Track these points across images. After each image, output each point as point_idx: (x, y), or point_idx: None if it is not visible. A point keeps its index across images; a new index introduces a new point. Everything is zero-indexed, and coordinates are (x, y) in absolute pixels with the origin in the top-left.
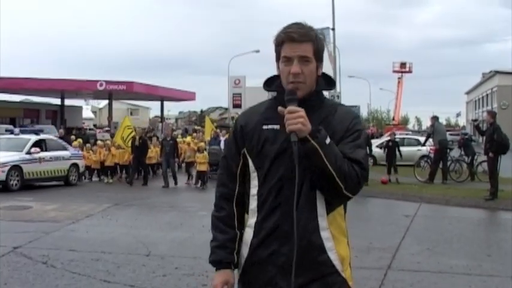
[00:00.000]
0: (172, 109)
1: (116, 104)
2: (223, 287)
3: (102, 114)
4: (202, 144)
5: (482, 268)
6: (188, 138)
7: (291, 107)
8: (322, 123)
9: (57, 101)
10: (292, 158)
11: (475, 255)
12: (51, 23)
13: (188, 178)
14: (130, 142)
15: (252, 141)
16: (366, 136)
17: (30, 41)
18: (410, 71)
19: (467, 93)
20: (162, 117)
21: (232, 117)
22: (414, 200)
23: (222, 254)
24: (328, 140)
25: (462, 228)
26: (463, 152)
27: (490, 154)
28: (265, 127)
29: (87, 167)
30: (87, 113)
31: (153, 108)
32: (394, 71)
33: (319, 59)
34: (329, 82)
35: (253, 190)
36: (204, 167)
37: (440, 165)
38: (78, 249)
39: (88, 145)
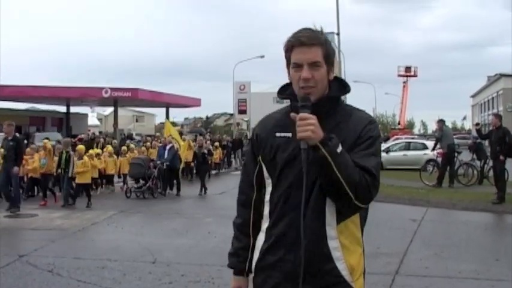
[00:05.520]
0: (178, 115)
1: (121, 111)
2: None
3: (107, 121)
4: (81, 147)
5: (491, 272)
6: (46, 140)
7: (302, 114)
8: (334, 129)
9: (63, 109)
10: (301, 166)
11: (483, 259)
12: (55, 30)
13: (44, 195)
14: None
15: (266, 148)
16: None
17: (33, 48)
18: (415, 75)
19: (473, 96)
20: None
21: (238, 123)
22: (421, 204)
23: (234, 262)
24: (339, 149)
25: (470, 232)
26: (475, 156)
27: (501, 157)
28: (277, 135)
29: None
30: (92, 120)
31: (159, 115)
32: (399, 75)
33: (329, 63)
34: (343, 86)
35: (267, 196)
36: (83, 179)
37: (448, 169)
38: (83, 257)
39: None
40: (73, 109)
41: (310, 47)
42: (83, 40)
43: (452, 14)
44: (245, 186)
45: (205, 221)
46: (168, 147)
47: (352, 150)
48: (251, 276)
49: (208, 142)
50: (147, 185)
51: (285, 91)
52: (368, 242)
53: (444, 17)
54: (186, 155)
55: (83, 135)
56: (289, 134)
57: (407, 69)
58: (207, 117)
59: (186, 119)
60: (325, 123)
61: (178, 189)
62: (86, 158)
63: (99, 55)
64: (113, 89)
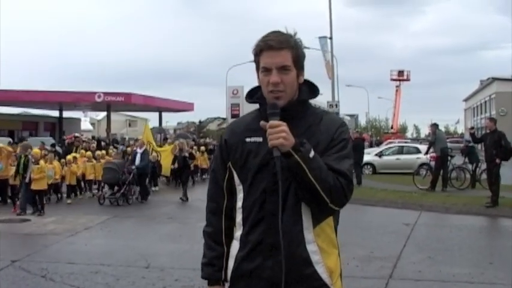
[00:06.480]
0: (171, 120)
1: (114, 116)
2: None
3: (100, 126)
4: (36, 151)
5: (485, 276)
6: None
7: (272, 122)
8: (305, 133)
9: (56, 113)
10: (274, 171)
11: (477, 263)
12: (48, 35)
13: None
14: None
15: (236, 154)
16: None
17: (27, 52)
18: (408, 79)
19: (466, 100)
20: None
21: None
22: (414, 208)
23: (210, 272)
24: (312, 154)
25: (463, 236)
26: (467, 160)
27: (497, 160)
28: (248, 140)
29: None
30: (85, 124)
31: (152, 119)
32: (392, 79)
33: (299, 66)
34: (313, 90)
35: (239, 203)
36: (39, 185)
37: (441, 173)
38: (77, 262)
39: None
40: (66, 114)
41: (279, 50)
42: (76, 44)
43: (445, 19)
44: (215, 193)
45: (198, 226)
46: (140, 151)
47: (326, 153)
48: (226, 285)
49: (194, 147)
50: (121, 191)
51: (254, 94)
52: (361, 246)
53: (437, 22)
54: (173, 160)
55: (76, 134)
56: (260, 139)
57: (400, 73)
58: (200, 122)
59: (179, 123)
60: (296, 127)
61: (142, 196)
62: (42, 162)
63: (92, 60)
64: (105, 94)
